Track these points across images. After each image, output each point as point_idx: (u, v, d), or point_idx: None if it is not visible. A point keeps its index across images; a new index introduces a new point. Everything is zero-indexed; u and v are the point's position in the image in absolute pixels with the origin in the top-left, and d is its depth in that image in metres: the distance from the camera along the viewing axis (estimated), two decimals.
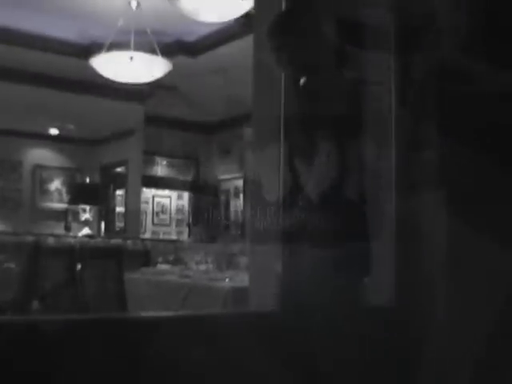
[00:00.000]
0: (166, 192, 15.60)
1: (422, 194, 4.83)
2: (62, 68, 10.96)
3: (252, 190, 5.30)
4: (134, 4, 8.35)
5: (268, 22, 4.25)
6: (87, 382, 3.53)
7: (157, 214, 15.31)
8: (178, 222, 15.59)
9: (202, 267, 7.57)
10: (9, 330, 3.48)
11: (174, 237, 14.67)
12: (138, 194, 14.68)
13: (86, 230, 14.41)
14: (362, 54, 5.18)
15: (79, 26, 9.69)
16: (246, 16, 7.18)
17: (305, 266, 3.80)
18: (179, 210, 15.64)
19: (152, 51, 8.93)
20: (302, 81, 4.10)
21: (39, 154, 15.68)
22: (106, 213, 15.52)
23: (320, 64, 3.92)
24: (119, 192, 15.53)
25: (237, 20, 7.72)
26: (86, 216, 15.08)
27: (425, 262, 4.70)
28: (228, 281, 5.84)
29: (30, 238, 10.56)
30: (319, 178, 3.62)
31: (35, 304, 6.07)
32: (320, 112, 3.69)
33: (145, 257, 8.89)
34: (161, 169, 15.47)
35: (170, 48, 9.62)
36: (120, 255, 6.70)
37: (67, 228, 14.85)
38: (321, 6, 4.50)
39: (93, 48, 9.40)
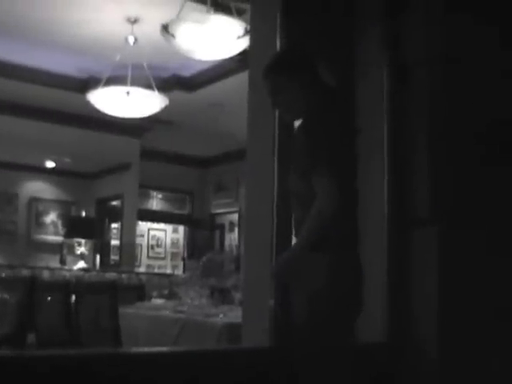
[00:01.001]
0: (162, 225, 15.66)
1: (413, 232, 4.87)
2: (58, 102, 11.02)
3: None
4: (131, 40, 8.42)
5: (263, 62, 4.28)
6: None
7: (152, 247, 15.36)
8: (173, 256, 15.63)
9: (197, 302, 7.57)
10: (3, 364, 3.51)
11: (168, 271, 14.69)
12: (134, 227, 14.69)
13: (81, 264, 14.39)
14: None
15: (77, 61, 9.76)
16: (242, 53, 7.23)
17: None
18: (174, 244, 15.68)
19: (148, 86, 8.99)
20: (296, 124, 4.13)
21: (35, 187, 15.72)
22: (101, 246, 15.52)
23: (316, 107, 3.91)
24: (114, 225, 15.55)
25: (232, 57, 7.78)
26: (81, 249, 15.07)
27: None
28: (222, 316, 5.84)
29: (25, 271, 10.59)
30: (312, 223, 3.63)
31: (30, 337, 6.07)
32: (315, 156, 3.68)
33: (139, 291, 8.89)
34: (156, 202, 15.54)
35: (166, 83, 9.68)
36: (115, 290, 6.70)
37: (62, 261, 14.83)
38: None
39: (90, 82, 9.46)
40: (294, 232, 4.16)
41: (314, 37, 4.84)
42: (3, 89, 10.54)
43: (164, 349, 5.06)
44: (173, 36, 7.80)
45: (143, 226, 15.30)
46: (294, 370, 3.88)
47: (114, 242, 15.40)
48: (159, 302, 8.15)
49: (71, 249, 15.15)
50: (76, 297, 6.54)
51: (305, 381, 3.78)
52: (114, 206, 15.49)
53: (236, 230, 14.67)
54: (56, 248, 15.37)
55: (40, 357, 4.10)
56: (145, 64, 8.87)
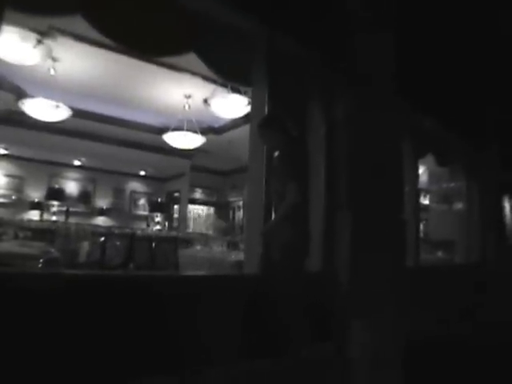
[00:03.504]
0: (201, 207, 15.58)
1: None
2: (148, 140, 11.01)
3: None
4: (186, 106, 8.42)
5: (258, 120, 4.31)
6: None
7: (195, 219, 15.29)
8: (207, 224, 15.57)
9: (219, 249, 7.57)
10: (120, 279, 3.53)
11: (204, 232, 14.66)
12: (186, 208, 14.68)
13: (157, 227, 14.42)
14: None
15: (157, 117, 9.74)
16: (246, 114, 7.26)
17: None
18: (208, 217, 15.63)
19: (195, 131, 9.00)
20: (276, 154, 4.21)
21: (134, 185, 15.69)
22: (168, 217, 15.48)
23: (285, 146, 4.03)
24: (176, 206, 15.50)
25: (241, 116, 7.82)
26: (157, 219, 15.08)
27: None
28: (233, 257, 5.85)
29: (127, 230, 10.61)
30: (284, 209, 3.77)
31: (131, 266, 6.06)
32: (287, 172, 3.83)
33: (188, 242, 8.91)
34: (198, 194, 15.49)
35: (204, 130, 9.66)
36: (176, 241, 6.69)
37: (147, 225, 14.85)
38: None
39: (164, 129, 9.45)
40: (273, 212, 4.21)
41: (285, 107, 4.86)
42: (115, 131, 10.55)
43: (201, 274, 5.06)
44: (209, 105, 7.83)
45: (191, 207, 15.24)
46: (271, 289, 3.92)
47: (176, 216, 15.35)
48: (199, 248, 8.16)
49: (152, 219, 15.16)
50: (155, 244, 6.54)
51: (277, 296, 3.83)
52: (176, 196, 15.45)
53: (241, 210, 14.68)
54: (144, 218, 15.37)
55: (134, 276, 4.13)
56: (193, 119, 8.88)
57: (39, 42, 6.02)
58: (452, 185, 9.96)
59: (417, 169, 7.89)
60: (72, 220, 13.01)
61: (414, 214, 7.40)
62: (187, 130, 8.97)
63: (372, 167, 5.03)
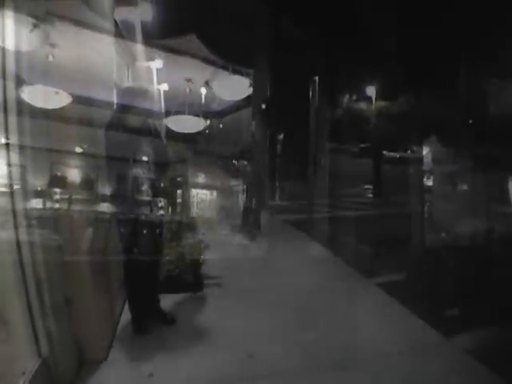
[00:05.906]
0: (204, 191, 15.59)
1: None
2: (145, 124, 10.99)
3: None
4: (187, 90, 8.44)
5: (260, 101, 4.31)
6: None
7: (198, 203, 15.31)
8: (211, 208, 15.56)
9: (223, 232, 7.61)
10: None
11: (207, 216, 14.67)
12: (189, 192, 14.69)
13: (161, 212, 14.41)
14: None
15: (158, 101, 9.74)
16: (248, 96, 7.27)
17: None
18: (211, 201, 15.64)
19: (197, 115, 9.01)
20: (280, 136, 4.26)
21: (137, 171, 15.62)
22: (172, 202, 15.45)
23: (289, 127, 4.05)
24: (179, 191, 15.47)
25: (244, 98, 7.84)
26: (161, 204, 15.05)
27: None
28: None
29: (131, 216, 10.58)
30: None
31: (135, 250, 6.11)
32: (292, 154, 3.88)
33: (192, 226, 8.96)
34: (201, 179, 15.50)
35: (207, 113, 9.66)
36: (180, 224, 6.75)
37: (151, 210, 14.82)
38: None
39: (165, 113, 9.45)
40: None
41: (288, 89, 4.85)
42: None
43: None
44: (211, 87, 7.83)
45: (194, 192, 15.20)
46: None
47: (179, 200, 15.31)
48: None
49: (155, 204, 15.12)
50: (159, 228, 6.55)
51: None
52: (179, 181, 15.40)
53: (245, 194, 14.68)
54: (147, 204, 15.32)
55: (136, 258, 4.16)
56: (195, 103, 8.90)
57: (35, 26, 5.98)
58: (456, 166, 9.96)
59: (421, 150, 7.89)
60: (75, 207, 12.99)
61: (418, 195, 7.41)
62: (189, 114, 8.99)
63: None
